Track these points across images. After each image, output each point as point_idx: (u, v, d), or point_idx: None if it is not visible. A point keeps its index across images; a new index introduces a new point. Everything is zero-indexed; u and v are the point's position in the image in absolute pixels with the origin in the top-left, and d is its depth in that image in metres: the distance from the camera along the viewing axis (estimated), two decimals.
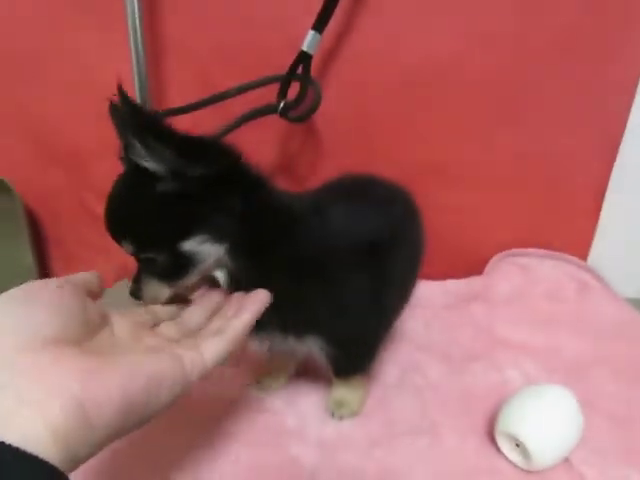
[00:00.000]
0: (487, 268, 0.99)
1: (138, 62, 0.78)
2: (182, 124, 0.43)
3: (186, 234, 0.44)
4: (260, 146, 0.87)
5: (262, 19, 0.82)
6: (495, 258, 1.00)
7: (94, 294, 0.40)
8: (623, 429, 0.61)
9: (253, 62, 0.83)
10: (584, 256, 1.00)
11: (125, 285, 0.80)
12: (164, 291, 0.47)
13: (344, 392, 0.64)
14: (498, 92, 0.87)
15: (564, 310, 0.88)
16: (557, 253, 0.99)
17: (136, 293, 0.48)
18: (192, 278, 0.47)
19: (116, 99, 0.40)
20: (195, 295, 0.50)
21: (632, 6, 0.80)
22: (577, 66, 0.84)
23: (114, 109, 0.42)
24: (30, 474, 0.25)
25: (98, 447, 0.30)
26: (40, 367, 0.29)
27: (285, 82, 0.77)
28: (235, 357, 0.72)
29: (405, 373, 0.71)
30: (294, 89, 0.78)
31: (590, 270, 0.97)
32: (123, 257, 0.48)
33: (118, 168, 0.46)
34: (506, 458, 0.56)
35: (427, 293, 0.89)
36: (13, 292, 0.34)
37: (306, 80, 0.77)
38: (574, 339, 0.80)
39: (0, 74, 0.90)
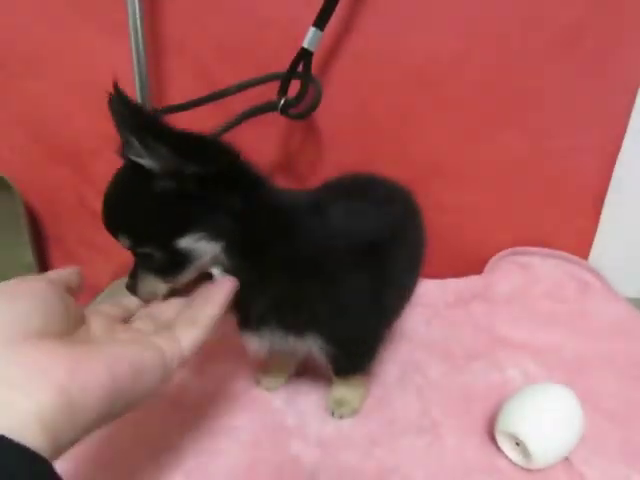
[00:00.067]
0: (487, 267, 0.98)
1: (139, 62, 0.77)
2: (182, 121, 0.43)
3: (182, 231, 0.44)
4: (260, 144, 0.88)
5: (263, 16, 0.82)
6: (495, 257, 0.99)
7: (73, 290, 0.40)
8: (623, 428, 0.61)
9: (254, 60, 0.83)
10: (585, 256, 1.00)
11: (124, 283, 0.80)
12: (160, 287, 0.48)
13: (344, 391, 0.64)
14: (498, 92, 0.86)
15: (564, 309, 0.88)
16: (558, 252, 0.99)
17: (132, 288, 0.48)
18: (188, 275, 0.47)
19: (114, 94, 0.40)
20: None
21: (633, 7, 0.80)
22: (578, 66, 0.84)
23: (113, 104, 0.42)
24: (12, 461, 0.25)
25: (84, 432, 0.31)
26: (25, 355, 0.30)
27: (286, 79, 0.76)
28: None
29: (405, 372, 0.71)
30: (295, 87, 0.77)
31: (591, 269, 0.97)
32: (123, 255, 0.48)
33: (118, 166, 0.46)
34: (506, 457, 0.56)
35: (427, 292, 0.89)
36: None
37: (307, 78, 0.76)
38: (574, 338, 0.80)
39: (1, 73, 0.90)
